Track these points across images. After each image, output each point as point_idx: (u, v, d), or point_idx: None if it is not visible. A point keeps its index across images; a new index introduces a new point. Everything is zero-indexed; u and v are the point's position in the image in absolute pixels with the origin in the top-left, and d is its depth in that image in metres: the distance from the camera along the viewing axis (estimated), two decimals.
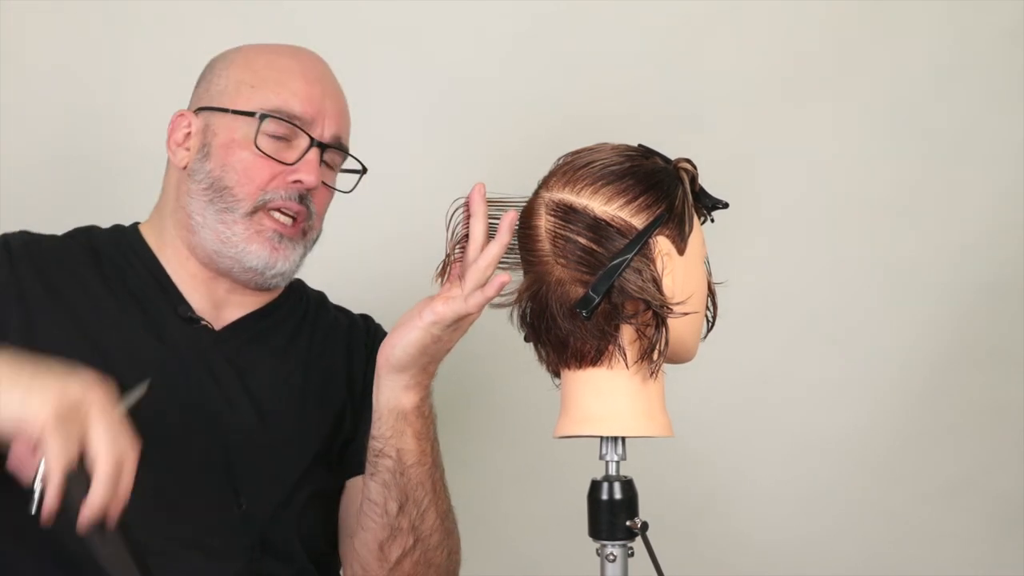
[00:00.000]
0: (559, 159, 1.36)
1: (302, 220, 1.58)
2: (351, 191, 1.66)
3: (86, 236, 1.63)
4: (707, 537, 2.40)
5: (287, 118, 1.55)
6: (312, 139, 1.56)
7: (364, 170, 1.66)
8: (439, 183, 2.25)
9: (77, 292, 1.53)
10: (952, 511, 2.44)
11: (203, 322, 1.57)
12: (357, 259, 2.16)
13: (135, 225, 1.67)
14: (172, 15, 2.19)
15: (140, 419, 1.41)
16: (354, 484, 1.63)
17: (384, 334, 1.68)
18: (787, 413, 2.41)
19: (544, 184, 1.36)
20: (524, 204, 1.37)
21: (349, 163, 1.69)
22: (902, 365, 2.42)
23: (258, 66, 1.59)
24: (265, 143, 1.54)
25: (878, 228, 2.40)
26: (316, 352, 1.67)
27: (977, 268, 2.41)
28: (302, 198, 1.56)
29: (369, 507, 1.52)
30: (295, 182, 1.55)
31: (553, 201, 1.33)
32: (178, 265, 1.59)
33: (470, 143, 2.28)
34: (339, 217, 2.23)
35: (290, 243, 1.57)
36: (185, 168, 1.58)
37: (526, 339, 1.39)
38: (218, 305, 1.60)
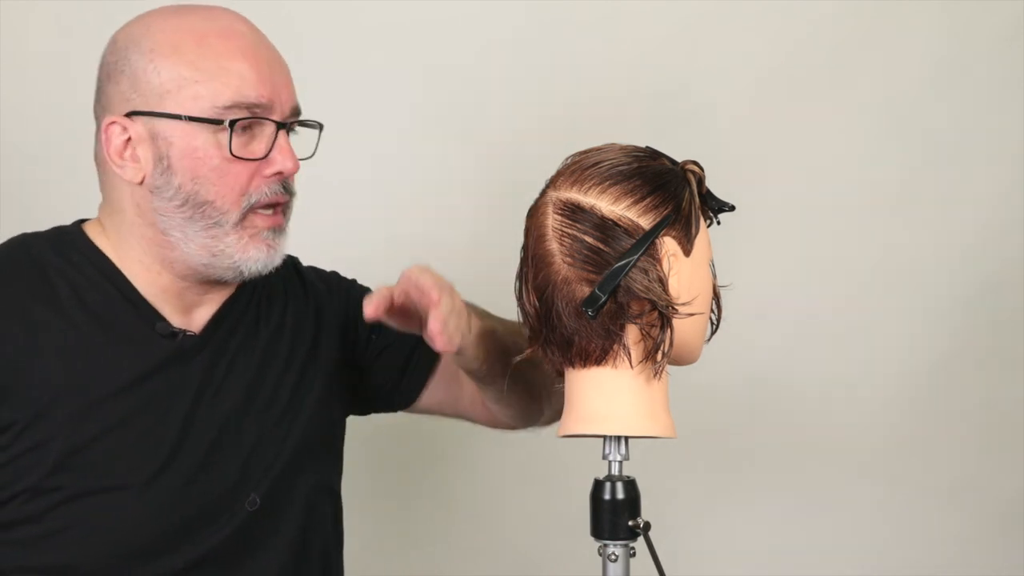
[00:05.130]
0: (567, 158, 1.36)
1: (284, 204, 1.50)
2: (313, 154, 1.54)
3: (24, 252, 1.49)
4: (709, 537, 2.41)
5: (248, 110, 1.43)
6: (278, 124, 1.45)
7: (321, 126, 1.54)
8: (438, 183, 2.27)
9: (37, 325, 1.44)
10: (952, 511, 2.44)
11: (185, 332, 1.49)
12: (355, 258, 2.16)
13: (80, 229, 1.53)
14: None
15: (151, 453, 1.45)
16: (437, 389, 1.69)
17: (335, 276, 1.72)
18: (788, 413, 2.41)
19: (551, 183, 1.36)
20: None
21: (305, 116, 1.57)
22: (902, 365, 2.42)
23: (190, 54, 1.43)
24: (237, 146, 1.43)
25: (878, 228, 2.40)
26: (303, 319, 1.62)
27: (977, 268, 2.41)
28: (285, 186, 1.48)
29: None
30: (275, 174, 1.45)
31: (560, 200, 1.33)
32: (148, 280, 1.48)
33: (470, 144, 2.29)
34: (337, 216, 2.23)
35: (281, 233, 1.50)
36: (142, 183, 1.45)
37: (529, 338, 1.39)
38: (190, 308, 1.51)
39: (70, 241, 1.50)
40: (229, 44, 1.44)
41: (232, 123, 1.41)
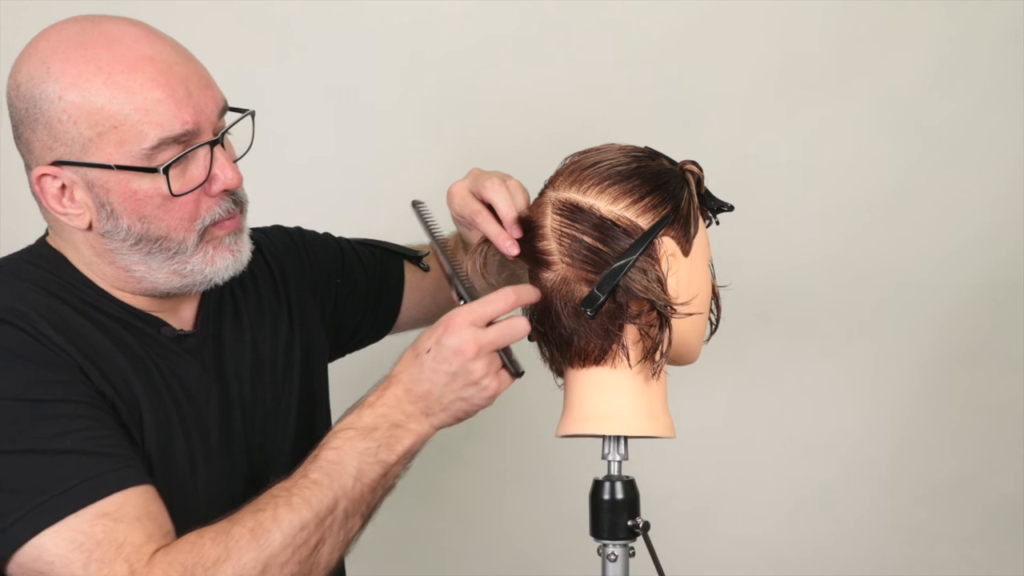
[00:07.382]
0: (566, 159, 1.37)
1: (240, 210, 1.47)
2: (250, 148, 1.48)
3: (12, 274, 1.44)
4: (708, 537, 2.41)
5: (177, 142, 1.36)
6: (210, 143, 1.39)
7: (252, 112, 1.47)
8: (437, 184, 2.27)
9: (88, 341, 1.40)
10: (952, 511, 2.44)
11: (184, 333, 1.50)
12: None
13: (54, 250, 1.47)
14: (166, 15, 2.18)
15: (203, 450, 1.46)
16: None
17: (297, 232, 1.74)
18: (787, 413, 2.41)
19: (550, 183, 1.36)
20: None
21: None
22: (902, 365, 2.42)
23: (101, 97, 1.34)
24: (175, 181, 1.37)
25: (878, 228, 2.40)
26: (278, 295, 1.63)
27: (976, 268, 2.41)
28: (234, 198, 1.44)
29: None
30: (222, 192, 1.41)
31: (559, 200, 1.33)
32: (128, 300, 1.46)
33: (469, 145, 2.28)
34: (335, 215, 2.23)
35: (242, 233, 1.47)
36: (90, 228, 1.40)
37: (529, 338, 1.39)
38: (175, 309, 1.51)
39: (50, 260, 1.46)
40: (139, 76, 1.35)
41: (166, 169, 1.36)
